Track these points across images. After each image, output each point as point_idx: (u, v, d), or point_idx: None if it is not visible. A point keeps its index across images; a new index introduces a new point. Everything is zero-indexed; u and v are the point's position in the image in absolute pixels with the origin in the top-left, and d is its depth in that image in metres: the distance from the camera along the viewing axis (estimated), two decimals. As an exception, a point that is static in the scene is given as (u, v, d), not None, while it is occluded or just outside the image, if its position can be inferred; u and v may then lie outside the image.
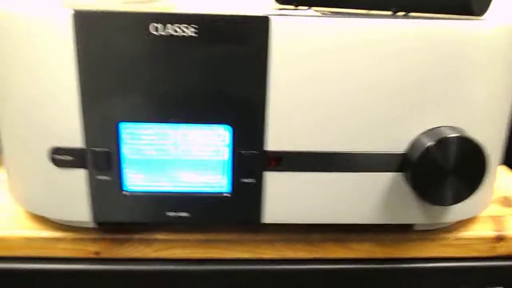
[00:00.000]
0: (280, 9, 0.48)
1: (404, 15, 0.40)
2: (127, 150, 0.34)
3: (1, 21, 0.32)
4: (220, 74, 0.33)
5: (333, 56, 0.33)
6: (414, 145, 0.34)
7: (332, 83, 0.33)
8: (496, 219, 0.42)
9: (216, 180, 0.36)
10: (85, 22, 0.31)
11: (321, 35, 0.32)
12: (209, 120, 0.34)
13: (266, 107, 0.33)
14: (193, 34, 0.32)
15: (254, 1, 0.57)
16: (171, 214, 0.36)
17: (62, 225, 0.38)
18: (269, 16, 0.32)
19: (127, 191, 0.35)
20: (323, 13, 0.38)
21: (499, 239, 0.40)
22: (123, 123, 0.34)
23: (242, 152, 0.35)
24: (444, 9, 0.38)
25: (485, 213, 0.41)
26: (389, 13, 0.41)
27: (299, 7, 0.49)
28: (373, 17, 0.33)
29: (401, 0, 0.40)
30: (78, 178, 0.35)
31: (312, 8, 0.48)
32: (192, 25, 0.31)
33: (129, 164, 0.35)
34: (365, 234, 0.39)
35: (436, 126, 0.35)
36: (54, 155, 0.34)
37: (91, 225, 0.37)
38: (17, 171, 0.37)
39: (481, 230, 0.40)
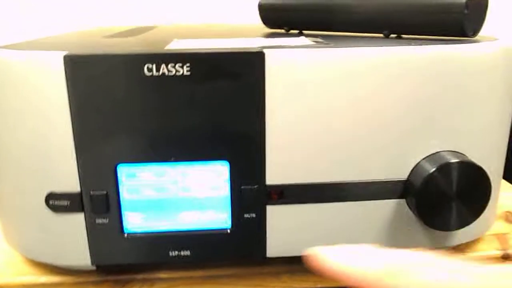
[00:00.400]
0: (270, 33, 0.47)
1: (396, 37, 0.40)
2: (125, 191, 0.34)
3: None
4: (216, 110, 0.32)
5: (331, 86, 0.32)
6: (416, 171, 0.34)
7: (330, 113, 0.33)
8: (501, 237, 0.41)
9: (216, 216, 0.35)
10: (76, 65, 0.30)
11: (318, 66, 0.32)
12: (207, 157, 0.33)
13: (264, 140, 0.33)
14: (187, 73, 0.31)
15: (242, 26, 0.57)
16: (173, 253, 0.35)
17: (61, 269, 0.37)
18: (263, 51, 0.31)
19: (127, 233, 0.35)
20: (315, 41, 0.37)
21: (505, 257, 0.39)
22: (121, 164, 0.33)
23: (242, 187, 0.34)
24: (436, 31, 0.38)
25: (489, 231, 0.41)
26: (381, 35, 0.41)
27: (290, 31, 0.48)
28: (367, 43, 0.33)
29: (392, 23, 0.40)
30: (76, 222, 0.34)
31: (302, 31, 0.48)
32: (185, 64, 0.31)
33: (128, 206, 0.34)
34: (370, 260, 0.38)
35: (437, 151, 0.34)
36: (50, 200, 0.33)
37: (92, 268, 0.37)
38: (11, 216, 0.36)
39: (486, 249, 0.40)
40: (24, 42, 0.38)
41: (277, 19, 0.48)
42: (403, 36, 0.40)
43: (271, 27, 0.51)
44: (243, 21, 0.76)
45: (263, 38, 0.41)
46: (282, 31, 0.49)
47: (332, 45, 0.34)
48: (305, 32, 0.47)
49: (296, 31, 0.48)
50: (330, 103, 0.33)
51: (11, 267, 0.38)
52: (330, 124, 0.33)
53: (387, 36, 0.41)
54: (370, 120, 0.33)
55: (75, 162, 0.32)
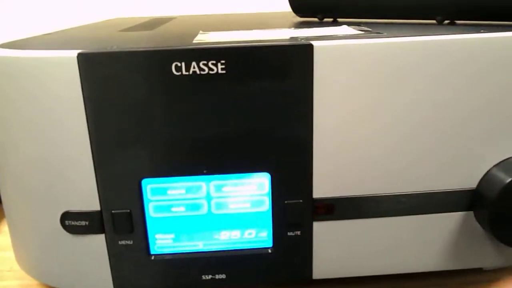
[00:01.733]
0: (303, 22, 0.42)
1: (449, 23, 0.35)
2: (151, 209, 0.29)
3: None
4: (255, 114, 0.27)
5: (389, 83, 0.27)
6: (488, 180, 0.29)
7: (387, 115, 0.28)
8: None
9: (256, 234, 0.31)
10: (91, 64, 0.26)
11: (374, 60, 0.27)
12: (245, 168, 0.29)
13: (311, 148, 0.28)
14: (222, 71, 0.26)
15: (268, 15, 0.53)
16: (207, 277, 0.31)
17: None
18: (312, 43, 0.26)
19: (154, 254, 0.30)
20: (362, 30, 0.33)
21: None
22: (146, 179, 0.28)
23: (285, 201, 0.29)
24: (493, 16, 0.33)
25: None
26: (433, 22, 0.36)
27: (324, 19, 0.43)
28: (424, 31, 0.28)
29: (447, 8, 0.35)
30: (95, 245, 0.30)
31: (337, 19, 0.43)
32: (220, 61, 0.26)
33: (155, 225, 0.30)
34: (427, 279, 0.34)
35: (508, 157, 0.29)
36: (66, 220, 0.29)
37: (114, 293, 0.32)
38: (23, 238, 0.32)
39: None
40: (32, 38, 0.33)
41: (310, 6, 0.43)
42: (457, 22, 0.35)
43: (303, 15, 0.46)
44: (262, 9, 0.71)
45: (300, 29, 0.37)
46: (315, 19, 0.44)
47: (386, 34, 0.29)
48: (339, 20, 0.42)
49: (330, 19, 0.43)
50: (387, 102, 0.28)
51: (25, 291, 0.34)
52: (387, 127, 0.28)
53: (440, 23, 0.36)
54: (433, 121, 0.28)
55: (94, 176, 0.28)
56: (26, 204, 0.30)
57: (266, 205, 0.30)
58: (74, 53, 0.26)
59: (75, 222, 0.29)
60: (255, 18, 0.52)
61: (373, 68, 0.27)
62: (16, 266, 0.34)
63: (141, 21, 0.51)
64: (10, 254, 0.35)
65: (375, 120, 0.28)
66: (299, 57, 0.26)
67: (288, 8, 0.45)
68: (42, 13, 0.71)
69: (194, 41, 0.29)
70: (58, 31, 0.40)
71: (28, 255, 0.32)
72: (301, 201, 0.29)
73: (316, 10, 0.43)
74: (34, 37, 0.35)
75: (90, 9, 0.71)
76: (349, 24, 0.38)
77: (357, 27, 0.35)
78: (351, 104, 0.28)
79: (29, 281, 0.35)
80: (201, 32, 0.35)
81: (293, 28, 0.37)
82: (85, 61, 0.26)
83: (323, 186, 0.29)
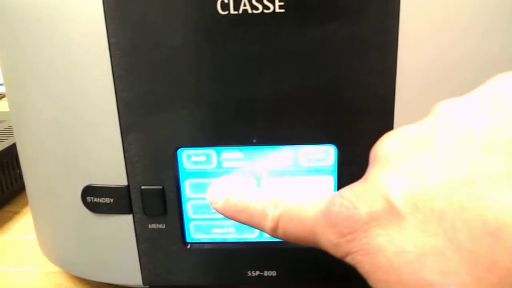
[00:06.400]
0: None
1: None
2: (189, 187, 0.24)
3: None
4: (321, 67, 0.21)
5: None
6: None
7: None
8: None
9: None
10: (118, 3, 0.21)
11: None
12: (305, 139, 0.23)
13: (391, 113, 0.22)
14: (280, 10, 0.21)
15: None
16: (253, 273, 0.25)
17: (106, 285, 0.28)
18: (398, -27, 0.20)
19: (190, 243, 0.25)
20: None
21: None
22: (183, 149, 0.23)
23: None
24: None
25: None
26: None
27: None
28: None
29: None
30: (121, 227, 0.25)
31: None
32: (278, -4, 0.20)
33: (193, 206, 0.24)
34: None
35: None
36: (87, 196, 0.24)
37: None
38: (43, 219, 0.27)
39: None
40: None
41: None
42: None
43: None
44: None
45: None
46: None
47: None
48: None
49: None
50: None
51: (47, 279, 0.30)
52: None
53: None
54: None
55: (120, 144, 0.23)
56: (45, 176, 0.25)
57: (330, 187, 0.24)
58: (97, -12, 0.21)
59: (98, 199, 0.24)
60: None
61: None
62: (39, 251, 0.30)
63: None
64: (35, 238, 0.31)
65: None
66: (381, -10, 0.20)
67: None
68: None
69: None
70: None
71: (49, 239, 0.28)
72: (375, 182, 0.23)
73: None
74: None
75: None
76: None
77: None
78: (448, 52, 0.21)
79: (51, 267, 0.30)
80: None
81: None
82: (110, -3, 0.21)
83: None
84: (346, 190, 0.15)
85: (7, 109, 0.26)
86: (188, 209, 0.25)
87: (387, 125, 0.22)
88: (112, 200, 0.24)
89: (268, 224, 0.17)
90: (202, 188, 0.24)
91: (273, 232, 0.17)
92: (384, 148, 0.15)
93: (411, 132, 0.15)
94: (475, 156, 0.12)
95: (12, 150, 0.39)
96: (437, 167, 0.13)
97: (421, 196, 0.13)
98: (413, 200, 0.13)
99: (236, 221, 0.18)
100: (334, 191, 0.24)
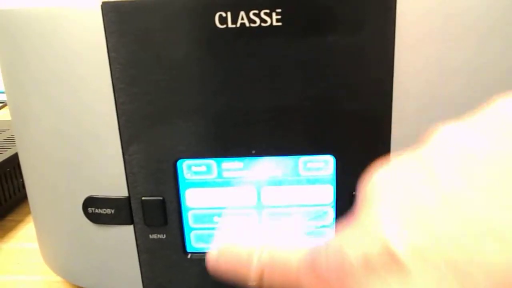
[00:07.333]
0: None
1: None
2: (189, 197, 0.24)
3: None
4: (317, 78, 0.22)
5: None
6: None
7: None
8: None
9: (317, 231, 0.25)
10: (119, 16, 0.21)
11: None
12: (304, 149, 0.23)
13: (389, 125, 0.22)
14: (277, 23, 0.21)
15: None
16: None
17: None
18: (394, -15, 0.20)
19: (191, 252, 0.25)
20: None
21: None
22: (183, 160, 0.23)
23: (354, 193, 0.23)
24: None
25: None
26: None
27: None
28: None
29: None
30: (123, 238, 0.25)
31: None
32: (275, 10, 0.21)
33: (193, 216, 0.25)
34: None
35: None
36: (88, 207, 0.25)
37: (145, 297, 0.28)
38: (45, 230, 0.28)
39: None
40: None
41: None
42: None
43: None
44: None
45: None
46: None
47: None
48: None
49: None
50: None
51: (48, 288, 0.30)
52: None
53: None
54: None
55: (121, 155, 0.23)
56: (47, 186, 0.26)
57: (329, 196, 0.24)
58: (98, 2, 0.21)
59: (99, 210, 0.24)
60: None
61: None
62: (41, 260, 0.30)
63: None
64: (37, 247, 0.31)
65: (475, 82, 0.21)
66: (378, 2, 0.20)
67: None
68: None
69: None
70: None
71: (50, 249, 0.28)
72: (374, 192, 0.23)
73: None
74: None
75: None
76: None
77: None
78: (446, 61, 0.21)
79: (53, 277, 0.30)
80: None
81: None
82: (110, 11, 0.21)
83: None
84: (333, 237, 0.13)
85: (10, 118, 0.26)
86: (189, 219, 0.25)
87: (385, 135, 0.22)
88: (113, 211, 0.24)
89: (253, 275, 0.15)
90: (202, 198, 0.24)
91: (260, 284, 0.15)
92: (378, 183, 0.13)
93: (408, 162, 0.13)
94: (492, 193, 0.10)
95: (14, 159, 0.39)
96: (445, 206, 0.11)
97: (429, 245, 0.10)
98: (419, 248, 0.10)
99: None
100: (334, 199, 0.24)
